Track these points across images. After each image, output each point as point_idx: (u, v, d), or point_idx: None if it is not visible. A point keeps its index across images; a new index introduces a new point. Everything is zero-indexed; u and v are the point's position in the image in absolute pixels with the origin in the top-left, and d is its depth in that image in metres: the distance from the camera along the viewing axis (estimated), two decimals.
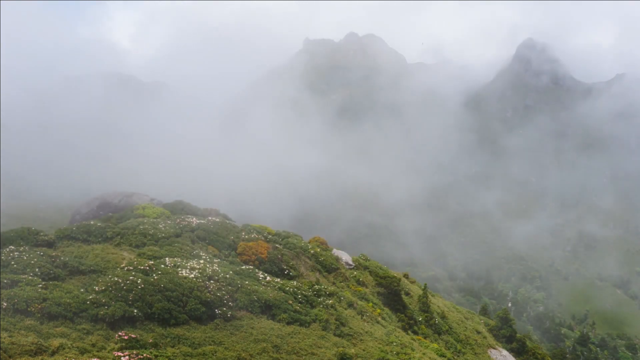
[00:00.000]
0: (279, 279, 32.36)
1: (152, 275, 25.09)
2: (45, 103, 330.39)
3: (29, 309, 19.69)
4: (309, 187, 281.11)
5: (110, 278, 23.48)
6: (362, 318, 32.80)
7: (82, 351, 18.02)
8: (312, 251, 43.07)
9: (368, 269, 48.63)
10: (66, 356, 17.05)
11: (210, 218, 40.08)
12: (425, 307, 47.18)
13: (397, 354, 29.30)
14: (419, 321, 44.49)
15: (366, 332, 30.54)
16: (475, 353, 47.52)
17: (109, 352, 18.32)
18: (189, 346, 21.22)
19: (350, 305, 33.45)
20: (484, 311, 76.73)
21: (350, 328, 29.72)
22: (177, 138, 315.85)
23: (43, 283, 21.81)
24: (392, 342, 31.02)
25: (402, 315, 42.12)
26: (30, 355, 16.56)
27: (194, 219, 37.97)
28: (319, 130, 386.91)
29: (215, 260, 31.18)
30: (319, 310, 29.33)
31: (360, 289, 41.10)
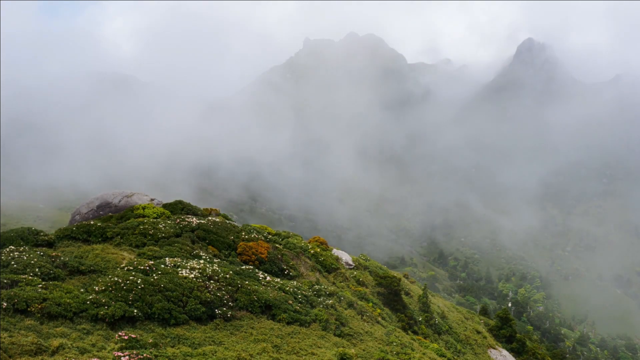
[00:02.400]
0: (279, 279, 32.32)
1: (152, 275, 25.04)
2: (27, 99, 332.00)
3: (29, 309, 19.66)
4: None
5: (110, 278, 23.45)
6: (362, 318, 32.75)
7: (82, 351, 17.99)
8: (312, 251, 43.08)
9: (368, 269, 48.66)
10: (66, 356, 17.02)
11: (210, 218, 40.04)
12: (425, 307, 47.18)
13: (397, 354, 29.27)
14: (419, 321, 44.50)
15: (366, 332, 30.49)
16: (475, 353, 47.51)
17: (109, 352, 18.28)
18: (189, 346, 21.18)
19: (350, 305, 33.41)
20: (484, 311, 76.74)
21: (350, 328, 29.67)
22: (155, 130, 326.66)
23: (43, 283, 21.78)
24: (392, 342, 30.99)
25: (402, 315, 42.12)
26: (30, 355, 16.52)
27: (194, 218, 37.92)
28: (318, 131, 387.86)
29: (215, 260, 31.14)
30: (319, 310, 29.29)
31: (360, 289, 41.08)
